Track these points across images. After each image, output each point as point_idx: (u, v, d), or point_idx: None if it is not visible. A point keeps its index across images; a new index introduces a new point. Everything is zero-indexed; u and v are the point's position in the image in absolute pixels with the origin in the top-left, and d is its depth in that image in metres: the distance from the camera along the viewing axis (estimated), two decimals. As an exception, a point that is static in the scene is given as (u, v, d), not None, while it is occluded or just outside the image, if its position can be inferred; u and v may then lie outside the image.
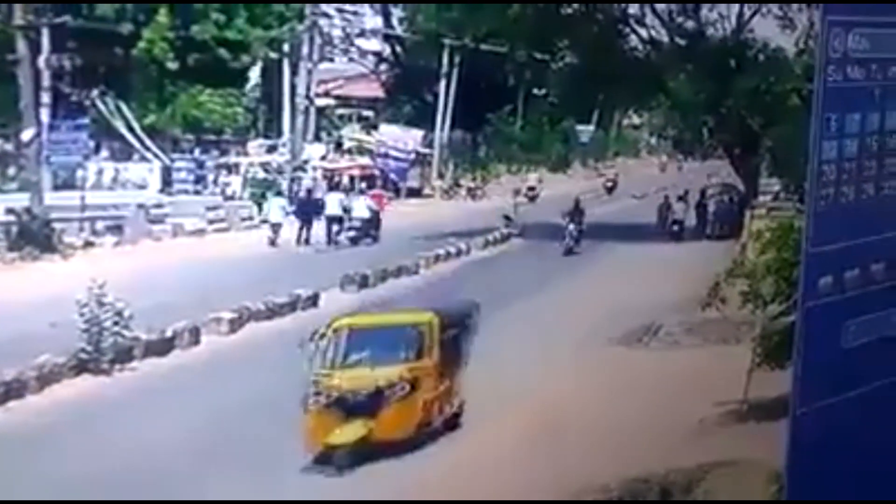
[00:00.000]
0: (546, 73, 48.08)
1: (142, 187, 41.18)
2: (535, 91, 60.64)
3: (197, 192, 42.88)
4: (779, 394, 10.77)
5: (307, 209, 36.22)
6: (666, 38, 39.55)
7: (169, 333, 19.28)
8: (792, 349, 5.77)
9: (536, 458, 12.99)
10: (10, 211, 32.10)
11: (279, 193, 40.45)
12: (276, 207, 36.41)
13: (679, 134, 41.23)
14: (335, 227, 35.29)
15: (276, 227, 35.23)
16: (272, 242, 34.77)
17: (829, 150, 5.59)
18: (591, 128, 71.14)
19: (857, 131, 5.72)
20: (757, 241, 14.73)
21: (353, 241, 34.94)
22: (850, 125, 5.68)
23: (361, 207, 36.44)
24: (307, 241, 34.88)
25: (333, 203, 36.12)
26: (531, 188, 57.27)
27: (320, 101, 50.74)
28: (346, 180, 45.82)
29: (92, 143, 40.02)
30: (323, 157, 48.27)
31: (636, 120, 73.12)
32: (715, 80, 37.22)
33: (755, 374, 13.77)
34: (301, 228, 35.18)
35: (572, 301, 24.51)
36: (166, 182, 42.58)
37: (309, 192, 39.40)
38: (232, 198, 42.82)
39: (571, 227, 35.20)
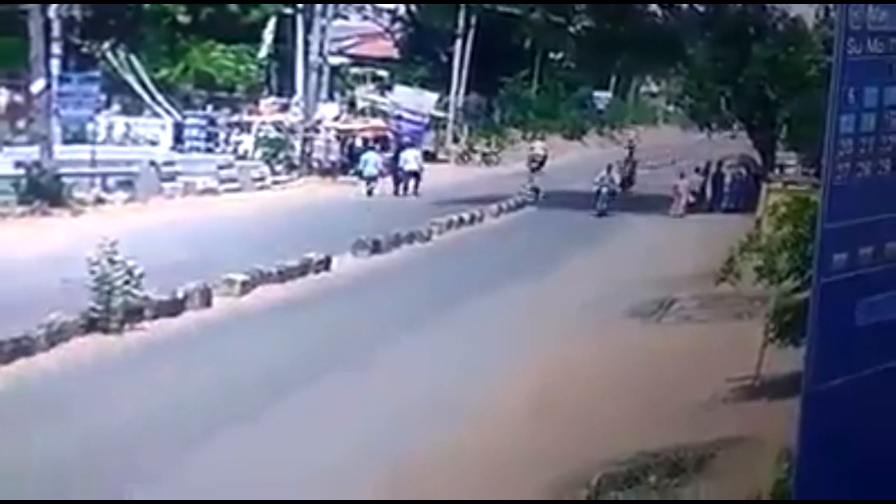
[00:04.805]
0: (563, 37, 47.71)
1: (153, 143, 40.78)
2: (552, 55, 60.25)
3: (209, 150, 42.43)
4: (791, 370, 10.71)
5: (398, 166, 39.81)
6: (685, 4, 39.25)
7: (180, 294, 19.04)
8: (805, 326, 5.76)
9: (545, 430, 12.95)
10: (19, 164, 31.28)
11: (371, 149, 42.46)
12: (370, 162, 39.29)
13: (696, 103, 40.89)
14: (412, 182, 39.23)
15: (370, 180, 38.60)
16: (369, 193, 38.15)
17: (846, 124, 5.54)
18: (609, 94, 70.64)
19: (875, 106, 5.66)
20: (772, 215, 14.59)
21: None
22: (869, 99, 5.62)
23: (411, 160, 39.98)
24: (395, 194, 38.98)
25: (411, 159, 40.00)
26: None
27: (334, 60, 50.30)
28: (359, 142, 45.57)
29: (103, 97, 39.38)
30: (336, 118, 47.93)
31: (654, 87, 72.74)
32: (733, 48, 36.95)
33: (768, 350, 13.69)
34: (396, 183, 39.18)
35: (584, 273, 24.42)
36: (178, 139, 42.19)
37: (398, 150, 42.32)
38: (244, 157, 42.39)
39: None
